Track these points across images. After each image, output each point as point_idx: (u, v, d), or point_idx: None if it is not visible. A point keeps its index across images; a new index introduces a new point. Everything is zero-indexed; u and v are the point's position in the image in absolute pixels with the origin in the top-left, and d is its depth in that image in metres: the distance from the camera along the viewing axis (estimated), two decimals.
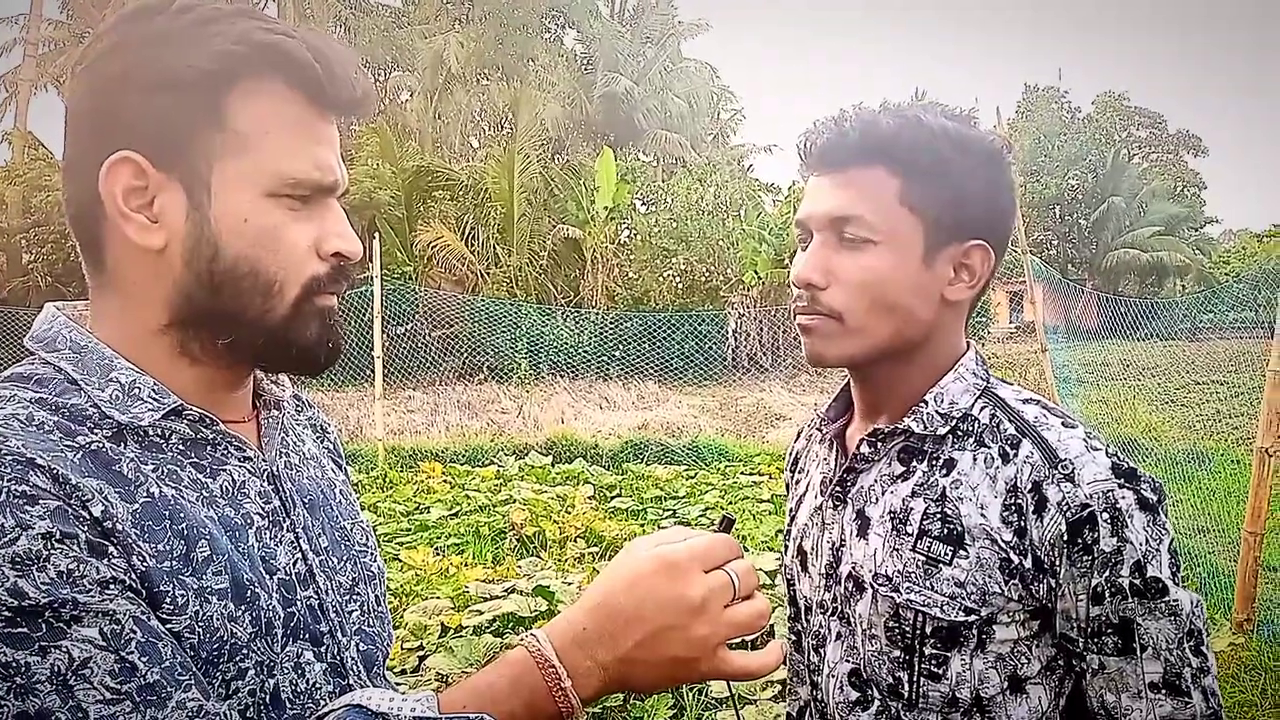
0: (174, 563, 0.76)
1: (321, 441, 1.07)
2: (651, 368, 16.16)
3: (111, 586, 0.70)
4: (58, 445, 0.74)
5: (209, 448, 0.84)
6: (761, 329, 18.37)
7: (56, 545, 0.68)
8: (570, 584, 4.94)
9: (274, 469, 0.90)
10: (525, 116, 20.51)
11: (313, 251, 0.84)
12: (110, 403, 0.79)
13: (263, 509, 0.86)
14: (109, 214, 0.79)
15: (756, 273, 18.54)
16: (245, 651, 0.79)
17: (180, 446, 0.82)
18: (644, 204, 22.20)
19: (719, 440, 11.68)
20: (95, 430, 0.78)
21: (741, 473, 9.62)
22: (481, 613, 4.47)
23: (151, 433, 0.81)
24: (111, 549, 0.71)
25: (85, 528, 0.70)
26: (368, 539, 1.00)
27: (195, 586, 0.76)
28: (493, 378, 16.19)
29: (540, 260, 19.06)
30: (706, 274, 18.85)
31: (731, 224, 19.63)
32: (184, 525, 0.77)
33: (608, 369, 16.50)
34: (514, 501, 7.59)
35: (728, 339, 18.02)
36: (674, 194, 20.90)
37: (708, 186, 20.81)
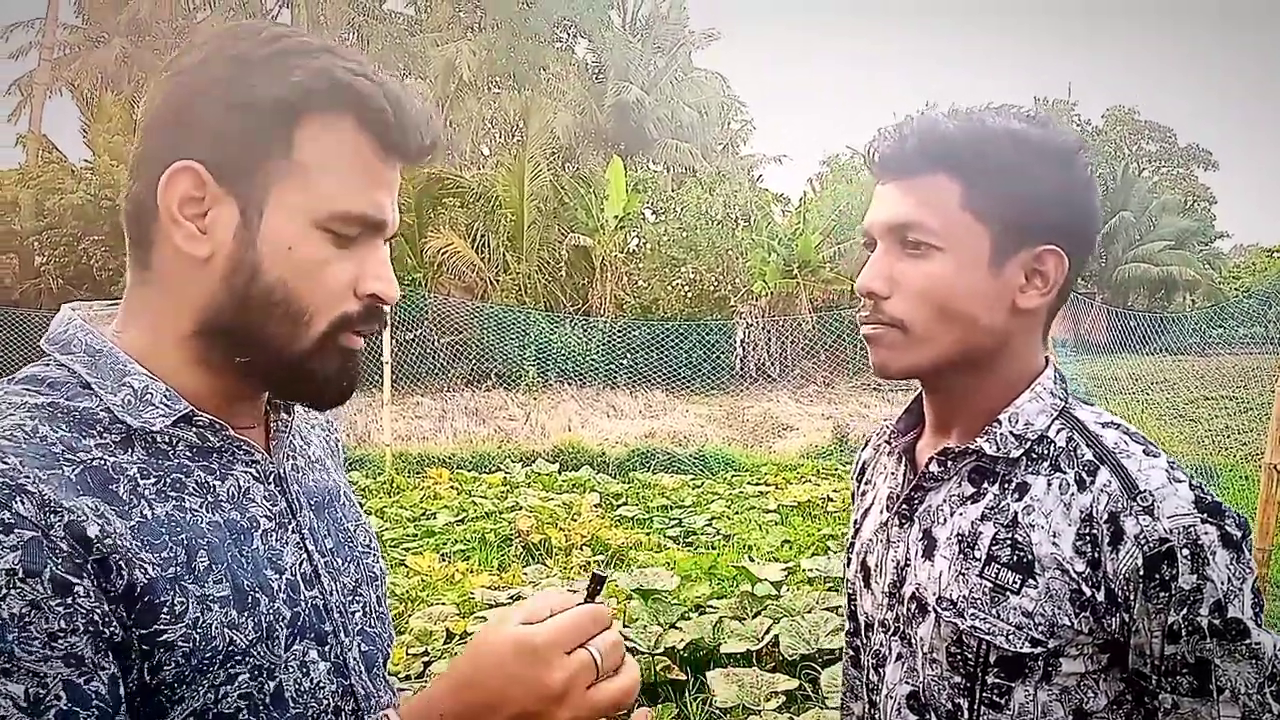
0: (176, 570, 0.77)
1: (327, 440, 1.09)
2: (659, 376, 16.16)
3: (59, 640, 0.70)
4: (57, 462, 0.75)
5: (216, 454, 0.86)
6: (770, 339, 18.36)
7: (16, 585, 0.68)
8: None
9: (281, 471, 0.91)
10: (536, 125, 20.57)
11: (349, 289, 0.85)
12: (122, 407, 0.81)
13: (269, 511, 0.88)
14: (161, 217, 0.82)
15: (765, 283, 18.55)
16: (241, 658, 0.80)
17: (188, 453, 0.84)
18: (654, 213, 22.22)
19: (726, 450, 11.67)
20: (105, 434, 0.79)
21: (748, 482, 9.62)
22: (486, 619, 4.47)
23: (160, 439, 0.82)
24: (81, 583, 0.71)
25: (58, 560, 0.70)
26: (370, 541, 1.02)
27: (198, 594, 0.78)
28: (501, 385, 16.21)
29: (549, 268, 19.10)
30: (715, 283, 18.86)
31: (741, 234, 19.65)
32: (183, 536, 0.79)
33: (615, 377, 16.50)
34: (520, 508, 7.60)
35: (736, 349, 18.02)
36: (684, 203, 20.92)
37: (717, 196, 20.83)
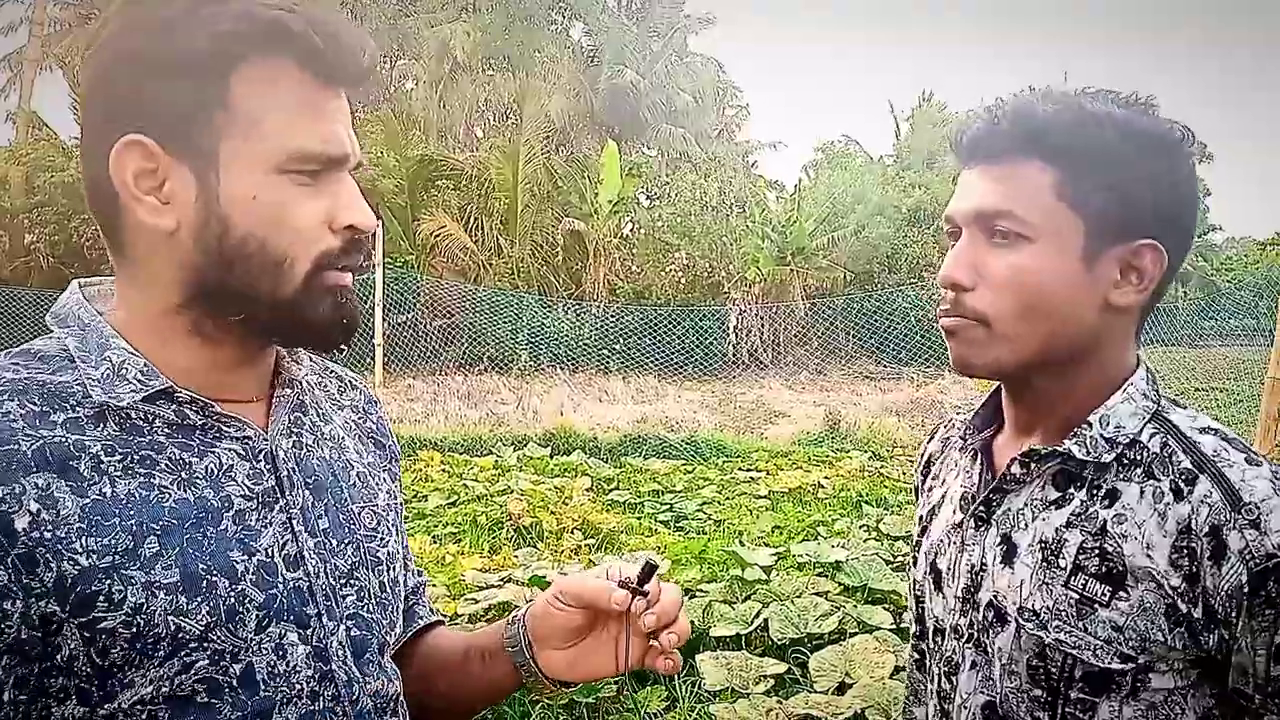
0: (116, 558, 0.76)
1: (363, 422, 1.07)
2: (652, 362, 16.18)
3: None
4: (14, 437, 0.75)
5: (199, 430, 0.85)
6: (763, 325, 18.38)
7: None
8: (566, 575, 4.94)
9: (273, 448, 0.89)
10: (530, 108, 20.50)
11: (324, 226, 0.84)
12: (99, 381, 0.80)
13: (249, 491, 0.86)
14: (121, 196, 0.80)
15: (759, 269, 18.55)
16: (198, 644, 0.79)
17: (164, 429, 0.83)
18: (648, 198, 22.18)
19: (718, 435, 11.68)
20: (77, 409, 0.79)
21: (739, 468, 9.63)
22: (477, 601, 4.48)
23: (134, 415, 0.81)
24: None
25: None
26: (379, 524, 0.99)
27: (142, 580, 0.77)
28: (493, 368, 16.20)
29: (543, 252, 19.07)
30: (709, 269, 18.86)
31: (735, 220, 19.63)
32: (134, 521, 0.78)
33: (608, 362, 16.51)
34: (512, 492, 7.59)
35: (729, 335, 18.04)
36: (678, 189, 20.88)
37: (712, 182, 20.80)
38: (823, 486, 8.33)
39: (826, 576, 4.83)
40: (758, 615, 4.28)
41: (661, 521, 7.29)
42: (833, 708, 3.34)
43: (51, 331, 0.86)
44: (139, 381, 0.81)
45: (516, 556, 5.75)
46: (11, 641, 0.73)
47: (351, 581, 0.93)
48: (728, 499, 8.04)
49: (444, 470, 9.09)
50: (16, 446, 0.75)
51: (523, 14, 27.51)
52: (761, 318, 18.32)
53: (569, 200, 19.51)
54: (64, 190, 17.54)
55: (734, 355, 18.03)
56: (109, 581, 0.75)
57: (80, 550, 0.75)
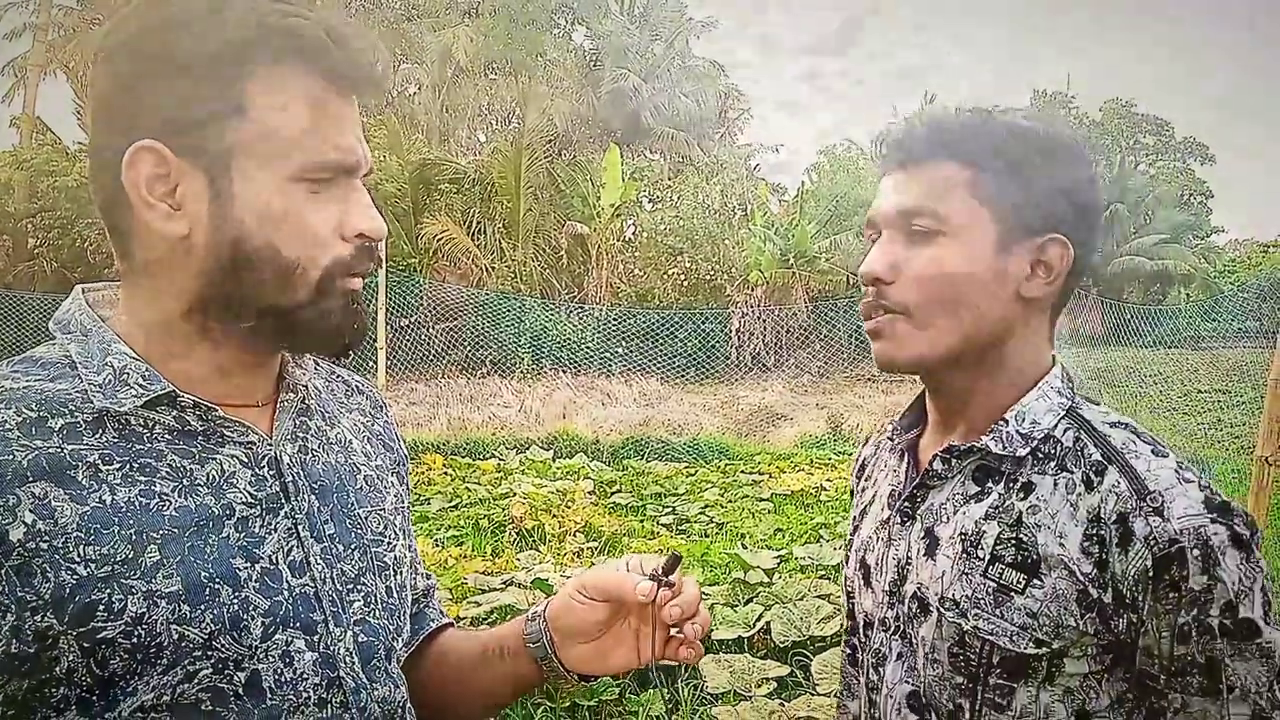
0: (116, 567, 0.76)
1: (371, 425, 1.06)
2: (654, 365, 16.17)
3: None
4: (9, 447, 0.75)
5: (200, 437, 0.84)
6: (765, 329, 18.38)
7: None
8: (569, 578, 4.95)
9: (277, 453, 0.88)
10: (533, 112, 20.54)
11: (336, 234, 0.84)
12: (100, 387, 0.80)
13: (252, 497, 0.85)
14: (133, 202, 0.80)
15: (761, 273, 18.55)
16: (201, 653, 0.78)
17: (165, 436, 0.82)
18: (650, 202, 22.19)
19: (720, 438, 11.69)
20: (75, 416, 0.78)
21: (741, 471, 9.63)
22: (479, 604, 4.48)
23: (134, 421, 0.81)
24: None
25: None
26: (385, 528, 0.98)
27: (143, 590, 0.76)
28: (495, 372, 16.21)
29: (545, 255, 19.09)
30: (711, 273, 18.86)
31: (737, 223, 19.64)
32: (133, 530, 0.77)
33: (610, 365, 16.51)
34: (514, 495, 7.60)
35: (731, 338, 18.04)
36: (680, 192, 20.90)
37: (714, 185, 20.81)
38: (825, 489, 8.33)
39: (829, 579, 4.83)
40: (760, 618, 4.28)
41: (664, 524, 7.29)
42: (835, 711, 3.34)
43: (54, 338, 0.85)
44: (140, 386, 0.81)
45: (519, 559, 5.75)
46: (2, 656, 0.73)
47: (358, 587, 0.91)
48: (730, 502, 8.05)
49: (446, 473, 9.09)
50: (10, 456, 0.74)
51: (525, 18, 27.54)
52: (764, 321, 18.32)
53: (571, 204, 19.54)
54: (68, 195, 17.58)
55: (736, 358, 18.03)
56: (109, 591, 0.75)
57: (79, 560, 0.74)
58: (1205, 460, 9.63)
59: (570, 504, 7.38)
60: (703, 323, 17.22)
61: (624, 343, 16.78)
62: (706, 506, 7.80)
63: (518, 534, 6.56)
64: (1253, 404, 10.52)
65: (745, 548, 5.71)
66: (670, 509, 7.80)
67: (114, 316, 0.86)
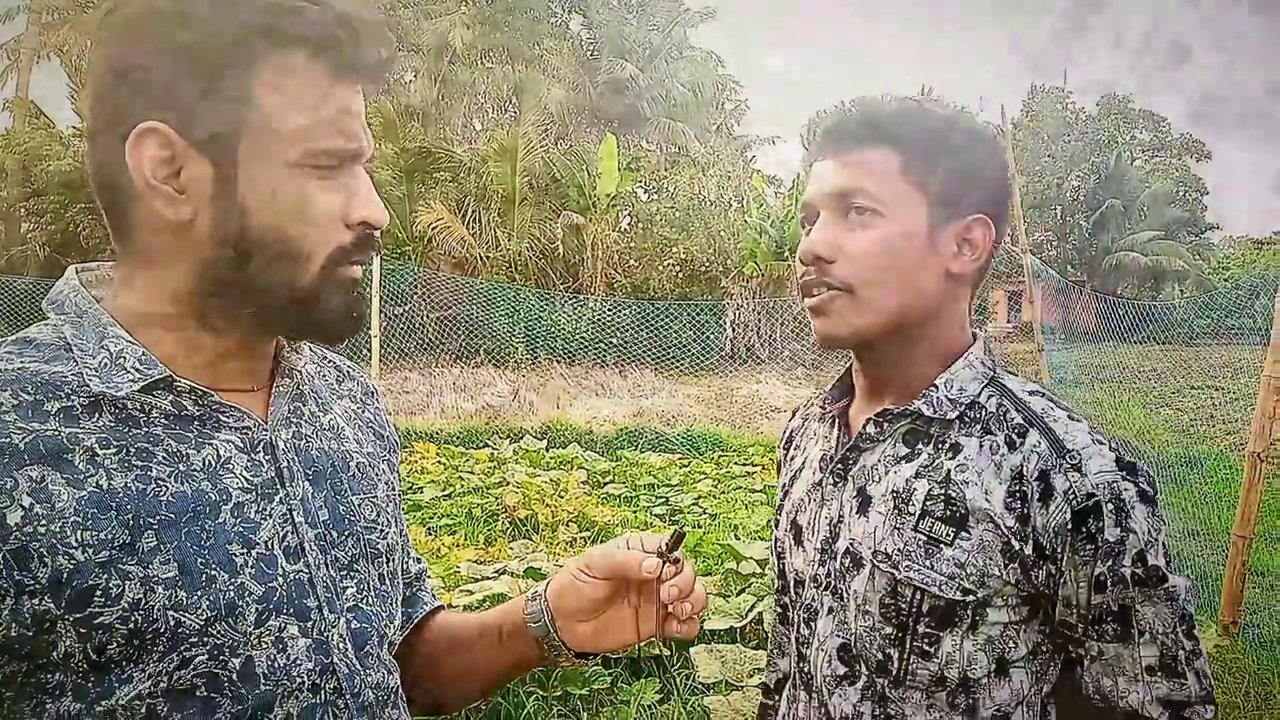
0: (113, 552, 0.75)
1: (362, 412, 1.06)
2: (649, 356, 16.18)
3: None
4: (6, 430, 0.74)
5: (196, 421, 0.83)
6: (759, 320, 18.39)
7: None
8: (561, 567, 4.95)
9: (273, 438, 0.88)
10: (529, 100, 20.48)
11: (339, 221, 0.83)
12: (95, 371, 0.79)
13: (248, 482, 0.84)
14: (136, 184, 0.79)
15: (756, 264, 18.55)
16: (197, 639, 0.78)
17: (161, 420, 0.81)
18: (646, 192, 22.17)
19: (714, 430, 11.70)
20: (71, 399, 0.78)
21: (735, 463, 9.65)
22: (472, 593, 4.48)
23: (130, 406, 0.80)
24: None
25: None
26: (378, 515, 0.98)
27: (140, 575, 0.76)
28: (490, 361, 16.19)
29: (540, 245, 19.05)
30: (706, 264, 18.85)
31: (733, 214, 19.63)
32: (130, 515, 0.77)
33: (605, 356, 16.51)
34: (507, 484, 7.60)
35: (725, 329, 18.04)
36: (676, 183, 20.88)
37: (710, 176, 20.80)
38: None
39: None
40: (752, 608, 4.30)
41: (657, 515, 7.30)
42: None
43: (48, 318, 0.84)
44: (137, 371, 0.80)
45: (511, 549, 5.76)
46: (1, 640, 0.72)
47: (352, 573, 0.91)
48: (723, 493, 8.06)
49: (440, 462, 9.09)
50: (8, 439, 0.74)
51: (521, 6, 27.45)
52: (758, 312, 18.33)
53: (567, 194, 19.49)
54: (61, 180, 17.50)
55: (731, 350, 18.03)
56: (106, 576, 0.74)
57: (76, 545, 0.74)
58: (1198, 456, 9.66)
59: (563, 494, 7.39)
60: (697, 314, 17.22)
61: (618, 333, 16.77)
62: (700, 497, 7.81)
63: (511, 523, 6.57)
64: (1246, 400, 10.55)
65: (738, 538, 5.72)
66: (664, 499, 7.82)
67: (108, 298, 0.85)
